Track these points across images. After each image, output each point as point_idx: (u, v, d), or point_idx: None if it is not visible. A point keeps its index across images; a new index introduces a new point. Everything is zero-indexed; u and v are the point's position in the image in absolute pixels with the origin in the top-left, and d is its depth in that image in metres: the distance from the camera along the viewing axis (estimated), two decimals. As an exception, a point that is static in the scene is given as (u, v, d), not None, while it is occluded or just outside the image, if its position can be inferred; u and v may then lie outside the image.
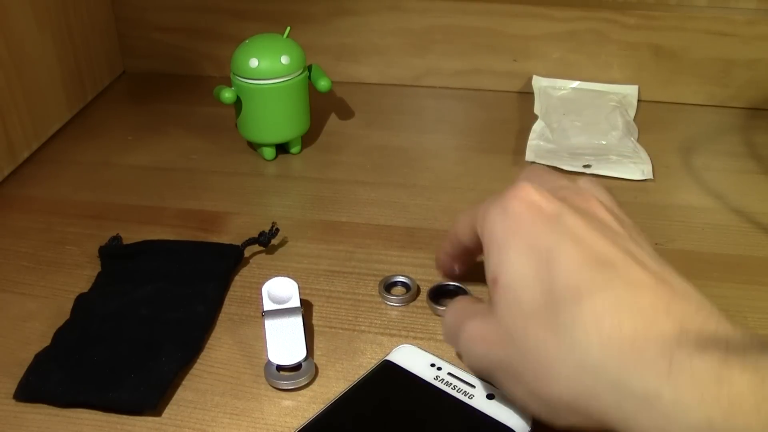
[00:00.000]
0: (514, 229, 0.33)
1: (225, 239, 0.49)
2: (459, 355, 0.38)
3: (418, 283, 0.45)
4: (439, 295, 0.44)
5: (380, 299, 0.44)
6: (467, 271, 0.44)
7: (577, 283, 0.30)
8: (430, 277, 0.46)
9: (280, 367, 0.39)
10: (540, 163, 0.45)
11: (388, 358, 0.38)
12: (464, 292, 0.43)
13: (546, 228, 0.32)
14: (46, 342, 0.41)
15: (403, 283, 0.45)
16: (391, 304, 0.44)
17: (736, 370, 0.26)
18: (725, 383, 0.26)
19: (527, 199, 0.33)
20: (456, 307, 0.38)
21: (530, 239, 0.32)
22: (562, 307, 0.30)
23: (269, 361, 0.39)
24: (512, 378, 0.32)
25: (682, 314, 0.28)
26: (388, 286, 0.45)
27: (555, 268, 0.30)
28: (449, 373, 0.37)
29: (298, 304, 0.41)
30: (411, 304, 0.44)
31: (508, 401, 0.36)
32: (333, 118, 0.65)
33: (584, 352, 0.28)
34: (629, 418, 0.27)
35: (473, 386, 0.36)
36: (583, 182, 0.37)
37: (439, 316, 0.43)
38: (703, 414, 0.26)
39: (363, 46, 0.69)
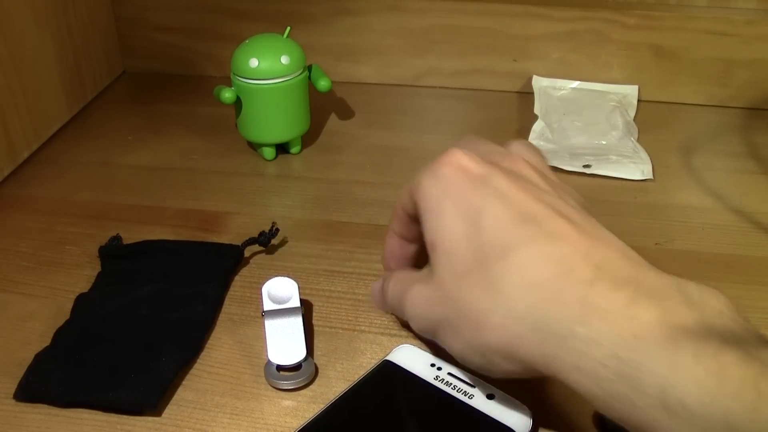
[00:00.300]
0: (445, 192, 0.34)
1: (225, 239, 0.49)
2: (404, 324, 0.40)
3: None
4: None
5: None
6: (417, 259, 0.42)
7: (503, 240, 0.31)
8: (430, 277, 0.46)
9: (280, 367, 0.39)
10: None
11: (388, 358, 0.38)
12: None
13: (474, 190, 0.33)
14: (46, 342, 0.41)
15: None
16: None
17: (642, 307, 0.28)
18: (632, 318, 0.28)
19: (456, 163, 0.35)
20: (398, 277, 0.39)
21: (460, 201, 0.33)
22: (491, 263, 0.31)
23: (269, 361, 0.39)
24: (451, 333, 0.33)
25: (600, 259, 0.30)
26: None
27: (483, 227, 0.32)
28: (449, 373, 0.37)
29: (298, 304, 0.41)
30: None
31: (508, 401, 0.36)
32: (333, 118, 0.65)
33: (511, 301, 0.30)
34: (549, 357, 0.29)
35: (473, 386, 0.36)
36: (514, 146, 0.38)
37: None
38: (610, 348, 0.28)
39: (363, 46, 0.69)
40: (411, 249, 0.42)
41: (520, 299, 0.30)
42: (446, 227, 0.33)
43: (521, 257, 0.31)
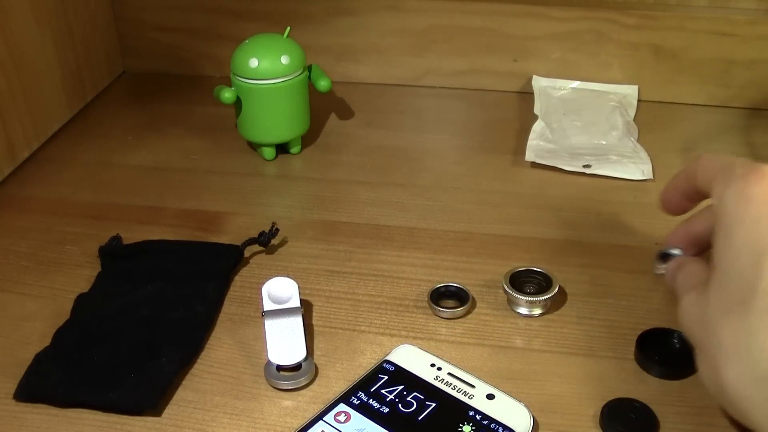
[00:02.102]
0: (742, 217, 0.33)
1: (225, 239, 0.49)
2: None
3: (425, 284, 0.45)
4: (441, 296, 0.44)
5: (426, 307, 0.43)
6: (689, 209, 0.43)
7: None
8: (430, 277, 0.46)
9: (280, 367, 0.39)
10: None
11: (388, 358, 0.38)
12: (465, 294, 0.43)
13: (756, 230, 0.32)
14: (46, 342, 0.41)
15: (453, 293, 0.44)
16: (444, 316, 0.43)
17: None
18: None
19: (764, 186, 0.33)
20: (687, 271, 0.39)
21: (754, 235, 0.32)
22: (754, 313, 0.30)
23: (269, 361, 0.39)
24: (706, 363, 0.33)
25: None
26: (438, 296, 0.44)
27: (763, 269, 0.31)
28: (449, 373, 0.37)
29: (298, 304, 0.41)
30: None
31: (508, 401, 0.36)
32: (333, 118, 0.65)
33: (756, 362, 0.30)
34: None
35: (473, 386, 0.36)
36: None
37: (439, 317, 0.43)
38: None
39: (363, 46, 0.69)
40: (686, 205, 0.43)
41: (766, 364, 0.30)
42: (732, 254, 0.32)
43: None
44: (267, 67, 0.54)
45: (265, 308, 0.41)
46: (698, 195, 0.41)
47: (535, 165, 0.57)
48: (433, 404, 0.36)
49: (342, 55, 0.69)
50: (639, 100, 0.65)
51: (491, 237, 0.49)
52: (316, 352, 0.41)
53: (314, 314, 0.43)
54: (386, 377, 0.37)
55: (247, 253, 0.48)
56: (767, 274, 0.31)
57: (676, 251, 0.43)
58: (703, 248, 0.42)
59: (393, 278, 0.46)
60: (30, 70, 0.58)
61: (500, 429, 0.34)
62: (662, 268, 0.43)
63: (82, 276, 0.46)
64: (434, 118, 0.65)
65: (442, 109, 0.67)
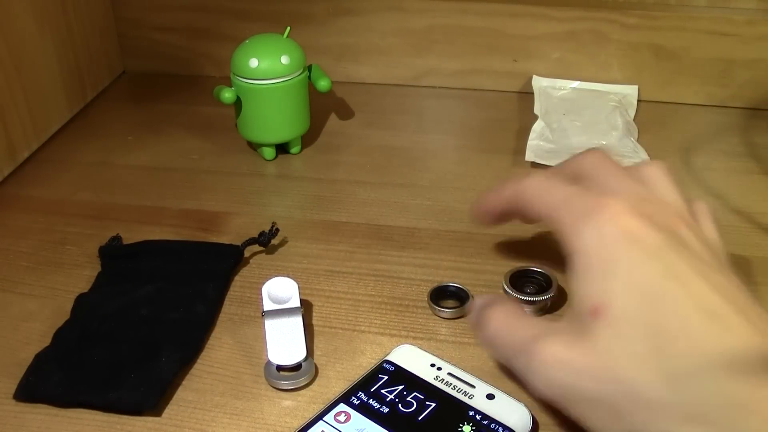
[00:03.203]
0: (615, 260, 0.32)
1: (225, 239, 0.49)
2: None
3: (425, 284, 0.45)
4: (441, 296, 0.44)
5: (426, 307, 0.44)
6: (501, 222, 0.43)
7: (690, 336, 0.30)
8: (430, 278, 0.46)
9: (280, 367, 0.39)
10: (601, 150, 0.43)
11: (388, 358, 0.38)
12: (466, 294, 0.43)
13: (649, 266, 0.32)
14: (46, 342, 0.41)
15: (453, 293, 0.44)
16: (444, 316, 0.43)
17: None
18: None
19: (624, 226, 0.33)
20: (508, 315, 0.36)
21: (635, 277, 0.32)
22: (675, 357, 0.30)
23: (269, 361, 0.39)
24: (610, 416, 0.31)
25: None
26: (438, 296, 0.44)
27: (664, 313, 0.31)
28: (449, 373, 0.37)
29: (298, 304, 0.41)
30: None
31: (508, 401, 0.36)
32: (333, 118, 0.65)
33: (697, 403, 0.29)
34: None
35: (473, 386, 0.36)
36: (654, 180, 0.37)
37: (439, 317, 0.43)
38: None
39: (363, 46, 0.69)
40: (502, 220, 0.42)
41: (706, 401, 0.29)
42: (617, 298, 0.31)
43: (713, 360, 0.29)
44: (267, 67, 0.54)
45: (265, 308, 0.41)
46: (517, 214, 0.40)
47: (535, 165, 0.57)
48: (433, 404, 0.36)
49: (342, 55, 0.69)
50: (639, 100, 0.65)
51: (491, 237, 0.49)
52: (316, 352, 0.41)
53: (314, 314, 0.43)
54: (386, 377, 0.37)
55: (247, 253, 0.48)
56: (668, 314, 0.30)
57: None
58: (504, 219, 0.42)
59: (393, 278, 0.46)
60: (30, 70, 0.58)
61: (500, 429, 0.34)
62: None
63: (82, 276, 0.46)
64: (434, 118, 0.65)
65: (442, 109, 0.67)
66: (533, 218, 0.39)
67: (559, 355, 0.32)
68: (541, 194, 0.38)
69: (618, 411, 0.31)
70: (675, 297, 0.31)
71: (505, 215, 0.42)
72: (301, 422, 0.35)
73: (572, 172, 0.39)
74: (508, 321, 0.36)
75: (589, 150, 0.40)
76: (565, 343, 0.32)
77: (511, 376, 0.39)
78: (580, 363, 0.32)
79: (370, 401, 0.36)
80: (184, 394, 0.38)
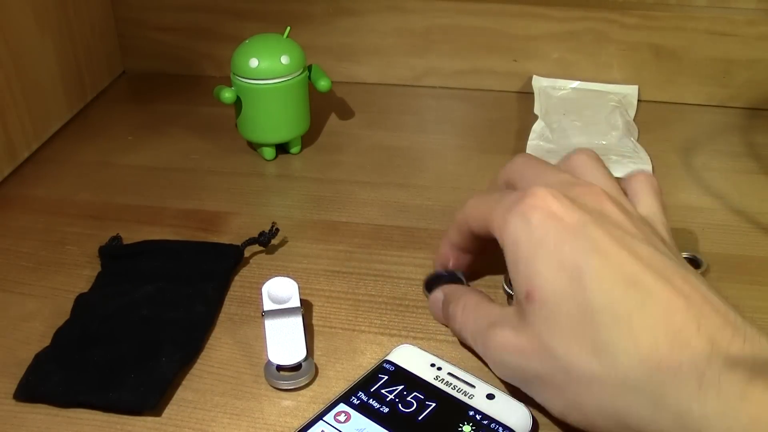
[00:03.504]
0: (539, 242, 0.34)
1: (225, 239, 0.49)
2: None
3: (419, 282, 0.45)
4: (436, 285, 0.43)
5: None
6: (470, 267, 0.44)
7: (612, 305, 0.31)
8: (430, 277, 0.46)
9: (280, 367, 0.39)
10: (526, 155, 0.44)
11: (388, 358, 0.38)
12: (460, 280, 0.43)
13: (571, 242, 0.33)
14: (46, 342, 0.41)
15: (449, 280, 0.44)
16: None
17: (759, 388, 0.27)
18: (748, 401, 0.27)
19: (547, 208, 0.34)
20: (470, 306, 0.39)
21: (559, 255, 0.33)
22: (600, 328, 0.31)
23: (269, 361, 0.39)
24: (552, 391, 0.33)
25: (713, 330, 0.29)
26: (433, 284, 0.43)
27: (586, 286, 0.32)
28: (449, 373, 0.37)
29: (298, 304, 0.41)
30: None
31: (508, 401, 0.36)
32: (333, 118, 0.65)
33: (625, 369, 0.30)
34: (663, 430, 0.29)
35: (473, 386, 0.36)
36: (580, 166, 0.38)
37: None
38: (724, 429, 0.27)
39: (363, 46, 0.69)
40: (466, 259, 0.43)
41: (633, 368, 0.30)
42: (545, 280, 0.33)
43: (634, 326, 0.30)
44: (267, 67, 0.54)
45: (265, 308, 0.41)
46: (474, 243, 0.42)
47: (535, 165, 0.57)
48: (433, 404, 0.36)
49: (342, 55, 0.69)
50: (639, 100, 0.65)
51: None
52: (316, 352, 0.41)
53: (314, 314, 0.43)
54: (386, 377, 0.37)
55: (247, 253, 0.48)
56: (591, 289, 0.32)
57: (442, 272, 0.44)
58: (466, 255, 0.43)
59: (393, 278, 0.46)
60: (30, 70, 0.58)
61: (500, 429, 0.34)
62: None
63: (82, 276, 0.46)
64: (434, 118, 0.65)
65: (442, 109, 0.67)
66: (483, 236, 0.39)
67: (506, 340, 0.35)
68: (478, 208, 0.39)
69: (558, 386, 0.33)
70: (596, 270, 0.32)
71: (464, 252, 0.43)
72: (301, 422, 0.35)
73: (505, 181, 0.41)
74: (469, 310, 0.39)
75: (516, 156, 0.41)
76: (513, 329, 0.34)
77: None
78: (523, 346, 0.34)
79: (370, 401, 0.36)
80: (184, 394, 0.38)
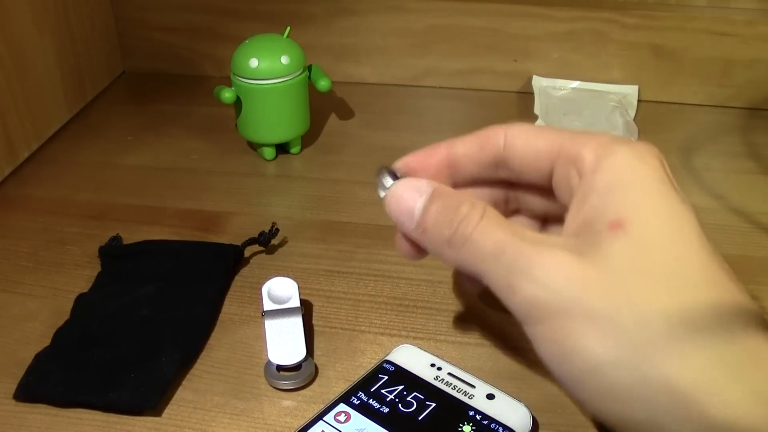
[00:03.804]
0: (652, 180, 0.30)
1: (225, 239, 0.49)
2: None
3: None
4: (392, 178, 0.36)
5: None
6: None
7: (711, 276, 0.29)
8: (430, 277, 0.46)
9: (280, 367, 0.39)
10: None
11: (388, 358, 0.38)
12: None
13: (678, 202, 0.30)
14: (46, 342, 0.41)
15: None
16: None
17: None
18: None
19: (660, 162, 0.31)
20: (495, 217, 0.31)
21: (667, 200, 0.30)
22: (683, 290, 0.28)
23: (269, 361, 0.39)
24: (606, 334, 0.28)
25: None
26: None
27: (682, 239, 0.29)
28: (449, 373, 0.37)
29: (298, 304, 0.41)
30: None
31: (508, 401, 0.36)
32: (333, 118, 0.65)
33: (697, 334, 0.27)
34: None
35: (473, 386, 0.36)
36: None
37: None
38: None
39: (363, 46, 0.69)
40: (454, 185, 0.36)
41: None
42: (646, 214, 0.29)
43: (716, 304, 0.28)
44: (267, 67, 0.54)
45: (265, 308, 0.41)
46: (490, 169, 0.35)
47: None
48: (433, 404, 0.36)
49: (342, 55, 0.69)
50: (639, 100, 0.65)
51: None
52: (316, 352, 0.41)
53: (314, 314, 0.43)
54: (386, 377, 0.37)
55: (247, 253, 0.48)
56: (687, 244, 0.29)
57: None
58: (462, 178, 0.35)
59: (393, 278, 0.46)
60: (30, 70, 0.58)
61: (500, 429, 0.34)
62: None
63: (82, 276, 0.46)
64: (434, 118, 0.65)
65: (442, 109, 0.67)
66: (523, 161, 0.34)
67: (564, 264, 0.29)
68: (542, 131, 0.34)
69: (618, 331, 0.28)
70: (692, 223, 0.30)
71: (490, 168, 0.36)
72: (301, 422, 0.35)
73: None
74: (493, 220, 0.31)
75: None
76: (574, 254, 0.29)
77: (512, 376, 0.39)
78: (589, 275, 0.28)
79: (370, 401, 0.36)
80: (184, 394, 0.38)
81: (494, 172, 0.36)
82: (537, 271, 0.29)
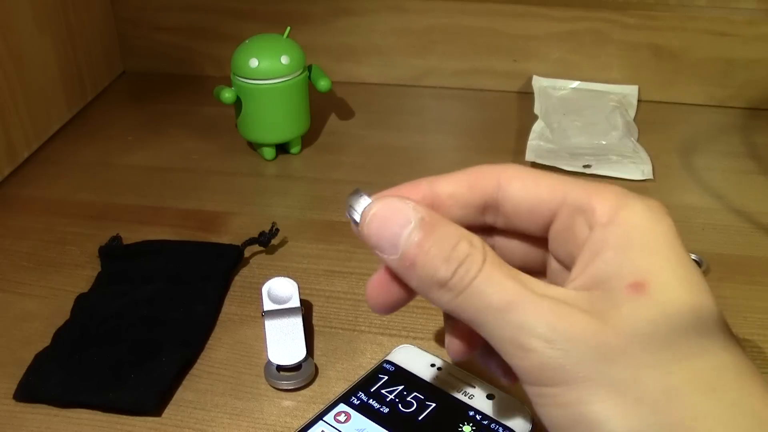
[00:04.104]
0: (665, 237, 0.29)
1: (225, 239, 0.49)
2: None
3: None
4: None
5: None
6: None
7: (721, 344, 0.27)
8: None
9: (280, 367, 0.39)
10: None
11: (388, 358, 0.38)
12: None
13: (690, 259, 0.29)
14: (46, 342, 0.41)
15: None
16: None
17: None
18: None
19: (671, 218, 0.29)
20: (494, 260, 0.28)
21: (683, 261, 0.28)
22: (689, 360, 0.26)
23: (269, 361, 0.39)
24: (618, 406, 0.25)
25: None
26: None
27: (708, 305, 0.27)
28: (449, 374, 0.37)
29: (298, 304, 0.41)
30: None
31: (508, 401, 0.36)
32: (333, 118, 0.65)
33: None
34: None
35: (473, 386, 0.36)
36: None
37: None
38: None
39: (363, 46, 0.69)
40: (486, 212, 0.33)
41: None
42: (671, 279, 0.27)
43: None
44: (267, 67, 0.54)
45: (265, 308, 0.41)
46: (476, 213, 0.32)
47: (535, 165, 0.57)
48: (433, 404, 0.36)
49: (342, 55, 0.69)
50: (639, 100, 0.65)
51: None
52: (316, 352, 0.41)
53: (314, 314, 0.43)
54: (386, 377, 0.37)
55: (247, 253, 0.48)
56: (716, 310, 0.27)
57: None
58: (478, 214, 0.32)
59: (393, 278, 0.46)
60: (30, 70, 0.58)
61: (500, 429, 0.34)
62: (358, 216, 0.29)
63: (82, 276, 0.46)
64: (434, 118, 0.65)
65: (442, 109, 0.67)
66: (523, 203, 0.31)
67: (583, 326, 0.26)
68: (550, 177, 0.32)
69: (641, 403, 0.25)
70: (706, 287, 0.28)
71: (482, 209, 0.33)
72: (301, 422, 0.35)
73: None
74: (494, 262, 0.28)
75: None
76: (590, 315, 0.27)
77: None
78: (606, 340, 0.26)
79: (370, 401, 0.36)
80: (184, 394, 0.38)
81: (479, 216, 0.33)
82: (552, 332, 0.26)
